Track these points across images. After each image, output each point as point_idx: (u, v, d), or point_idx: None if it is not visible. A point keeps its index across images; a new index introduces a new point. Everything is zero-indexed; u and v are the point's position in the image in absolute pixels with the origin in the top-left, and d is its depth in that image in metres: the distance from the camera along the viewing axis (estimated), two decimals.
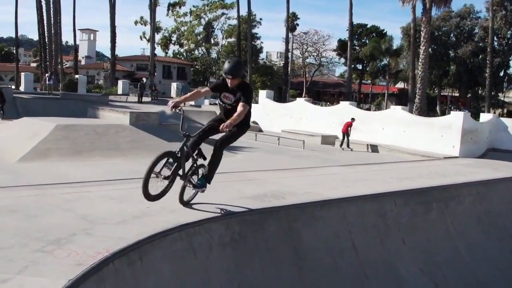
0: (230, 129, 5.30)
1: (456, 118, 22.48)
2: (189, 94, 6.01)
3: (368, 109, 42.33)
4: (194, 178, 5.68)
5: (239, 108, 5.41)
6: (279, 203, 6.59)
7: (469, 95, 46.43)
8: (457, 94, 51.48)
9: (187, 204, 5.88)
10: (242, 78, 5.72)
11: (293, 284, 6.09)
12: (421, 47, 30.20)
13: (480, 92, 44.59)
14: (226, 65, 5.44)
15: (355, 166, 10.48)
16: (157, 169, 5.13)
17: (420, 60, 29.86)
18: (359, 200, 7.50)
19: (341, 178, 8.92)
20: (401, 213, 8.02)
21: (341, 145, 21.28)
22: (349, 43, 42.44)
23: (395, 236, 7.72)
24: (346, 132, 21.26)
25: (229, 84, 5.49)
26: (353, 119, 21.64)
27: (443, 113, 39.27)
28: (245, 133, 5.81)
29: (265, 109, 27.82)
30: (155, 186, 5.17)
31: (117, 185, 7.12)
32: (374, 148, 20.96)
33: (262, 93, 29.29)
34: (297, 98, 30.90)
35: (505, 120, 27.00)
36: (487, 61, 36.59)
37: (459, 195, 9.16)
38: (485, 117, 27.32)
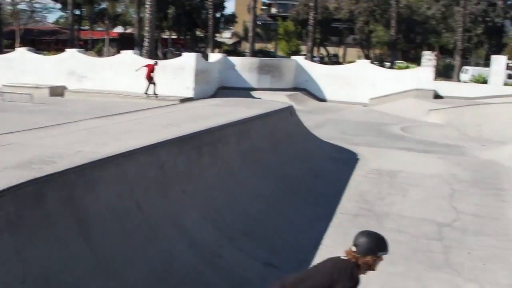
0: None
1: (189, 59, 22.98)
2: None
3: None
4: None
5: None
6: (53, 169, 5.69)
7: (188, 37, 48.12)
8: (175, 37, 52.93)
9: None
10: None
11: (84, 260, 5.42)
12: None
13: (198, 33, 46.53)
14: None
15: (113, 117, 9.80)
16: None
17: (148, 2, 29.49)
18: (135, 154, 6.98)
19: (105, 131, 8.21)
20: (177, 162, 7.77)
21: (146, 91, 20.82)
22: None
23: (175, 187, 7.46)
24: (149, 77, 20.71)
25: None
26: (156, 63, 20.80)
27: (165, 56, 40.01)
28: None
29: None
30: None
31: None
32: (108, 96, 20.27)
33: None
34: (17, 48, 27.99)
35: (232, 58, 28.73)
36: (209, 2, 38.07)
37: (225, 136, 9.29)
38: (214, 57, 28.58)
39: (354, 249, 3.90)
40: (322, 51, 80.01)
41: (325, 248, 8.23)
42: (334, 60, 64.19)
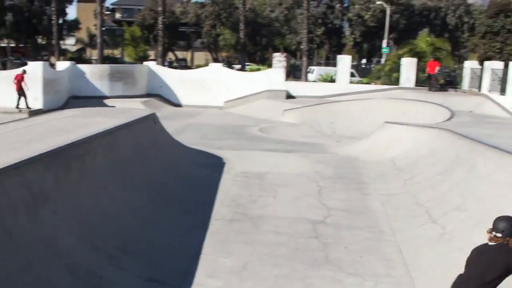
0: None
1: (36, 68, 21.73)
2: None
3: None
4: None
5: None
6: None
7: (28, 45, 45.42)
8: (14, 45, 49.67)
9: None
10: None
11: None
12: None
13: (40, 41, 44.12)
14: None
15: None
16: None
17: None
18: None
19: None
20: (44, 181, 7.25)
21: (17, 106, 19.25)
22: None
23: (45, 208, 6.96)
24: (19, 89, 19.12)
25: None
26: (24, 71, 19.01)
27: (4, 65, 37.42)
28: None
29: None
30: None
31: None
32: None
33: None
34: None
35: (82, 66, 27.62)
36: (52, 8, 36.19)
37: (92, 149, 8.86)
38: (62, 65, 27.28)
39: (499, 234, 4.60)
40: (171, 55, 79.76)
41: (206, 256, 8.21)
42: (182, 65, 64.21)
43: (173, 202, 10.28)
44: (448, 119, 19.01)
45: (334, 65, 57.78)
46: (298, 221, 9.82)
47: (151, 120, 12.67)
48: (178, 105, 30.01)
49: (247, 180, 12.53)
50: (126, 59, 67.32)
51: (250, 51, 78.82)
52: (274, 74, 29.75)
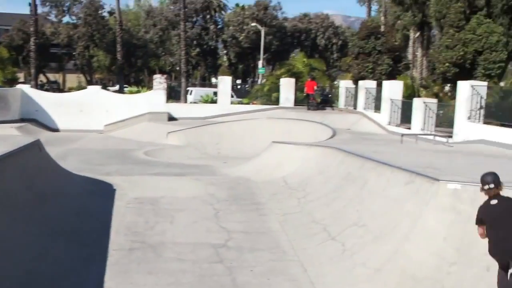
0: None
1: None
2: None
3: None
4: None
5: None
6: None
7: None
8: None
9: None
10: None
11: None
12: None
13: None
14: None
15: None
16: None
17: None
18: None
19: None
20: None
21: None
22: None
23: None
24: None
25: None
26: None
27: None
28: None
29: None
30: None
31: None
32: None
33: None
34: None
35: None
36: None
37: None
38: None
39: (492, 185, 5.87)
40: (42, 77, 75.97)
41: None
42: (54, 87, 61.41)
43: (66, 234, 9.66)
44: (331, 137, 19.79)
45: (210, 86, 58.56)
46: (199, 246, 9.61)
47: (37, 147, 11.89)
48: (55, 130, 28.51)
49: (141, 206, 12.10)
50: None
51: (125, 72, 77.39)
52: (155, 96, 29.27)
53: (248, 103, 32.12)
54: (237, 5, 79.33)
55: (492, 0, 27.60)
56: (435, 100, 21.50)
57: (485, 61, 26.39)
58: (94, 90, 30.69)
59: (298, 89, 30.14)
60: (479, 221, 5.94)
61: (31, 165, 11.00)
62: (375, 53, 28.84)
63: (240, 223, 11.10)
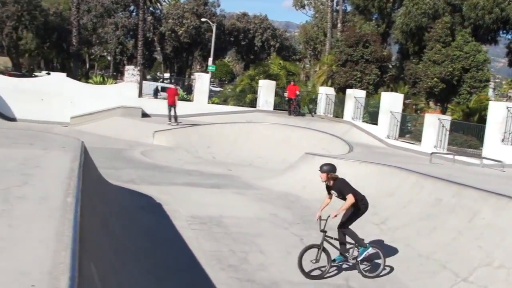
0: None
1: None
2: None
3: None
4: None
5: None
6: None
7: None
8: None
9: None
10: None
11: None
12: None
13: None
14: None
15: None
16: None
17: None
18: None
19: None
20: None
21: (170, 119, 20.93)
22: None
23: None
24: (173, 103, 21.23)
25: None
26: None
27: None
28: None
29: None
30: None
31: None
32: None
33: None
34: None
35: None
36: None
37: None
38: None
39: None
40: None
41: None
42: None
43: (152, 269, 7.58)
44: (350, 151, 18.41)
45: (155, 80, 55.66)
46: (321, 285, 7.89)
47: (86, 151, 9.58)
48: (12, 119, 25.13)
49: (208, 229, 10.11)
50: None
51: (51, 57, 72.60)
52: (126, 89, 26.56)
53: (217, 103, 29.97)
54: None
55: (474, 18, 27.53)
56: (449, 117, 20.69)
57: (471, 79, 26.11)
58: (59, 78, 27.32)
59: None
60: None
61: (88, 177, 8.70)
62: (363, 62, 27.76)
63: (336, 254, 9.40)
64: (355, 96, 25.33)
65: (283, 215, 11.45)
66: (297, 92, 27.17)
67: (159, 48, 73.61)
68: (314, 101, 28.88)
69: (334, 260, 8.30)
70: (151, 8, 68.49)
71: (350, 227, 8.41)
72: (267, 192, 13.55)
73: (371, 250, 8.32)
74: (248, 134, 21.94)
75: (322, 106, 28.41)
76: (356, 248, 8.38)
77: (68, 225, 4.70)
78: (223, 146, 21.10)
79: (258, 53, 76.68)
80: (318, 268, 8.23)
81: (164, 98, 27.10)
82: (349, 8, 51.93)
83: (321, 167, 8.30)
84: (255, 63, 69.71)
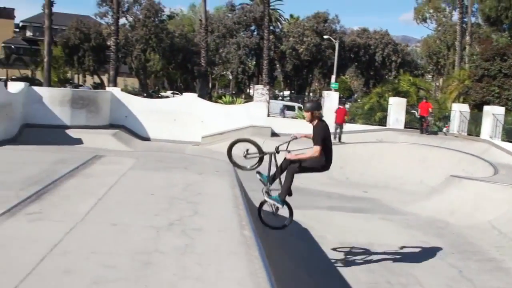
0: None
1: None
2: None
3: None
4: None
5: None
6: None
7: None
8: None
9: None
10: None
11: None
12: None
13: None
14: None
15: None
16: None
17: None
18: None
19: None
20: None
21: (335, 137, 21.30)
22: None
23: None
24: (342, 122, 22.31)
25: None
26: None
27: None
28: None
29: None
30: None
31: None
32: None
33: None
34: None
35: (39, 89, 23.67)
36: None
37: None
38: (15, 86, 23.20)
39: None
40: (90, 79, 74.58)
41: None
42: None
43: None
44: (495, 173, 17.14)
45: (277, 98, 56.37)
46: None
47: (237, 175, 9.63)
48: (146, 138, 26.32)
49: (360, 258, 9.69)
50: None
51: (175, 78, 75.95)
52: (255, 109, 26.89)
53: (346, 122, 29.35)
54: (291, 16, 77.40)
55: None
56: None
57: None
58: (190, 98, 28.24)
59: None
60: None
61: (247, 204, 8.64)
62: (501, 77, 26.09)
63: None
64: (494, 113, 23.76)
65: (435, 243, 10.79)
66: (430, 110, 26.04)
67: (279, 66, 74.35)
68: (445, 119, 27.50)
69: (258, 173, 8.11)
70: (271, 27, 69.54)
71: (296, 175, 7.74)
72: (414, 218, 12.89)
73: (279, 206, 7.98)
74: (382, 153, 21.28)
75: (455, 123, 26.99)
76: (278, 192, 7.89)
77: (258, 264, 4.57)
78: (356, 166, 20.58)
79: (379, 69, 75.12)
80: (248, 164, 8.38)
81: (292, 117, 27.06)
82: (473, 20, 49.49)
83: (304, 105, 8.45)
84: (375, 79, 68.19)
